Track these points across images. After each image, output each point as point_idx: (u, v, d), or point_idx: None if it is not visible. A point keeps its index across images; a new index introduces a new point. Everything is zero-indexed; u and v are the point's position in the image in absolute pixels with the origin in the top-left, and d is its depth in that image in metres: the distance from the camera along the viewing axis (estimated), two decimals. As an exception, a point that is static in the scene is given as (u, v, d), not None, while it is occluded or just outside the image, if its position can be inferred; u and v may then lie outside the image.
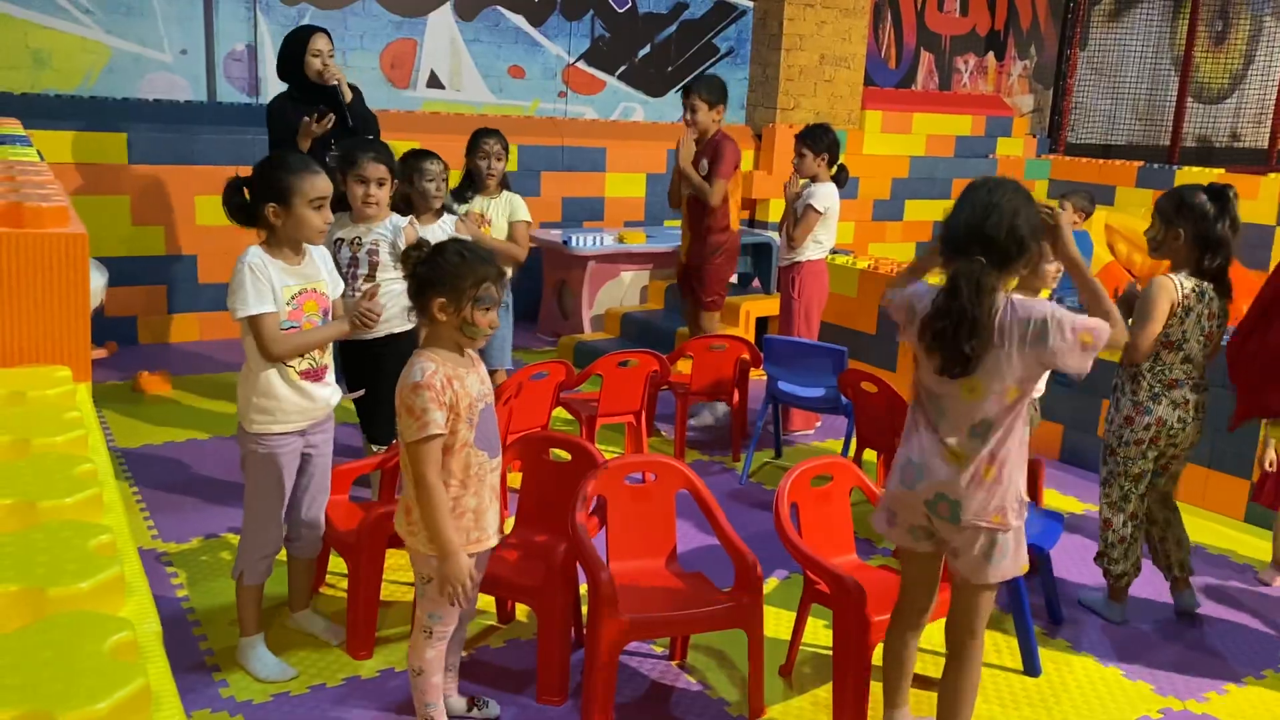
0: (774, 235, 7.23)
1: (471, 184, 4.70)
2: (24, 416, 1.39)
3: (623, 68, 8.36)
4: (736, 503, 4.46)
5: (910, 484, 2.45)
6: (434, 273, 2.40)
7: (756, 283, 7.35)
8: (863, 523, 3.89)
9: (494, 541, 2.59)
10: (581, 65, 8.15)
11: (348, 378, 3.84)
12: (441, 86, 7.57)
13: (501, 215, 4.66)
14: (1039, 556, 3.39)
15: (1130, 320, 3.33)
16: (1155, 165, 9.87)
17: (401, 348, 3.51)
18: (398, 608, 3.34)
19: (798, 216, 5.21)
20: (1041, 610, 3.56)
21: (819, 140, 5.21)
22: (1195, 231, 3.29)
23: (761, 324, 6.63)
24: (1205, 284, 3.33)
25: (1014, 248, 2.30)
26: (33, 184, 1.81)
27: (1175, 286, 3.28)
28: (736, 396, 5.02)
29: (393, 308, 3.60)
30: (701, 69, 8.70)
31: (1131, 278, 3.63)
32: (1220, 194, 3.30)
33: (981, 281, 2.26)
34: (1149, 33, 11.58)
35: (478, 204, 4.65)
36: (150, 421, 4.96)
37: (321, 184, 2.75)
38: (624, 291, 7.23)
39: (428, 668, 2.56)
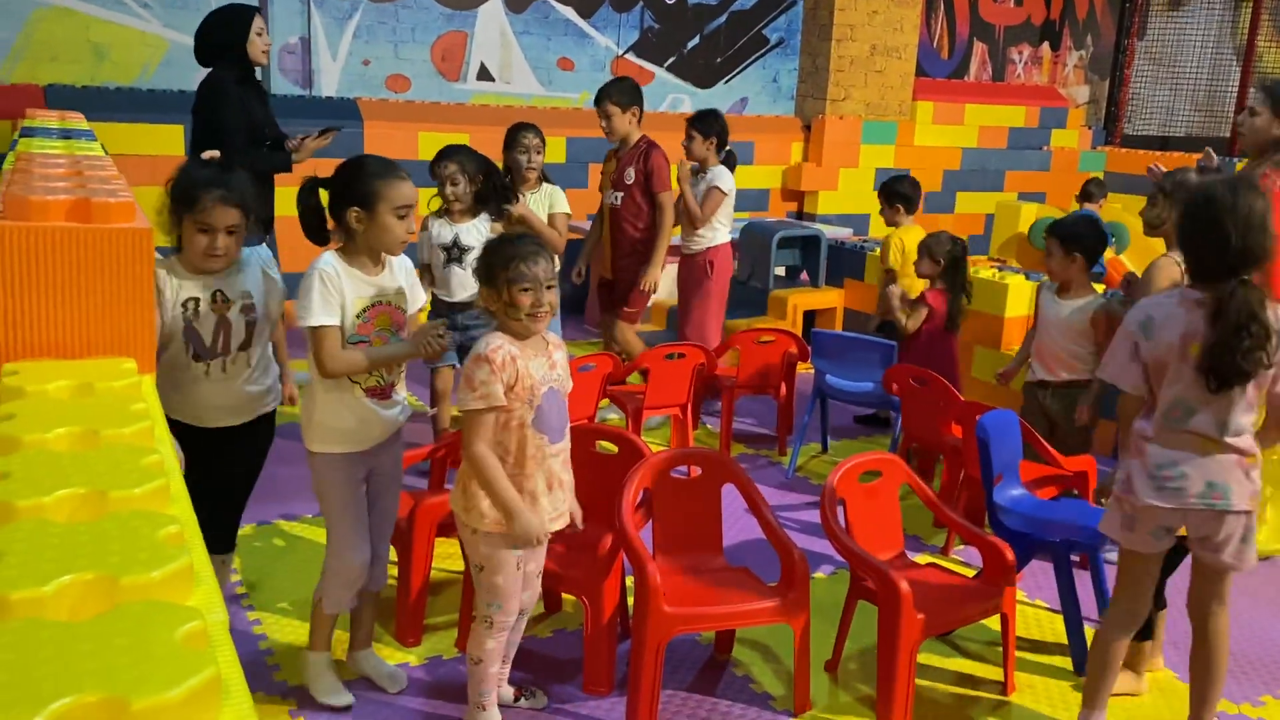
0: (822, 228, 7.18)
1: (510, 179, 4.63)
2: (92, 408, 1.43)
3: (672, 59, 8.35)
4: (783, 497, 4.45)
5: (1171, 486, 2.51)
6: (481, 266, 2.50)
7: (805, 275, 7.31)
8: (911, 519, 3.87)
9: (556, 525, 2.58)
10: (630, 57, 8.15)
11: None
12: (491, 79, 7.62)
13: (542, 208, 4.63)
14: (1090, 552, 3.35)
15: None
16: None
17: None
18: (446, 596, 3.39)
19: (699, 199, 5.11)
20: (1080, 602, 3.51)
21: (709, 125, 5.14)
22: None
23: (809, 317, 6.60)
24: None
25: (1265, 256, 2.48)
26: (99, 179, 1.87)
27: (1175, 265, 3.45)
28: (784, 390, 5.01)
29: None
30: (751, 60, 8.66)
31: (1127, 268, 3.80)
32: (1207, 171, 3.43)
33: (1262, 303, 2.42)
34: (1210, 21, 11.30)
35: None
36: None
37: (408, 191, 2.60)
38: (671, 284, 7.22)
39: (487, 658, 2.58)
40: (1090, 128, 10.61)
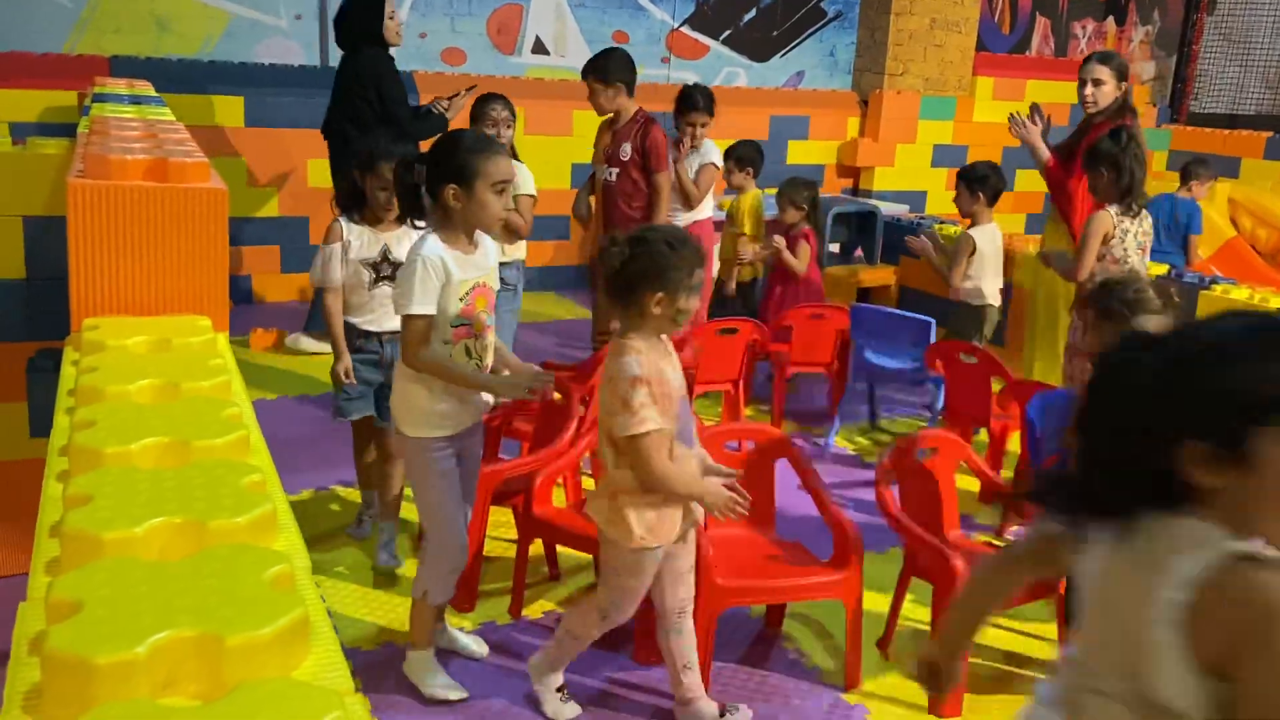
0: (878, 204, 7.10)
1: None
2: (171, 363, 1.47)
3: (727, 32, 8.27)
4: (831, 473, 4.42)
5: None
6: (648, 267, 2.33)
7: (860, 252, 7.23)
8: (966, 499, 3.83)
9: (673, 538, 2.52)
10: (685, 30, 8.09)
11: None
12: (546, 52, 7.61)
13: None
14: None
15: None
16: (1286, 137, 9.35)
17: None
18: (500, 564, 3.42)
19: (693, 176, 4.92)
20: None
21: (713, 106, 4.99)
22: (1110, 165, 4.05)
23: (863, 294, 6.53)
24: (1134, 206, 4.10)
25: None
26: (173, 141, 1.90)
27: (1110, 216, 4.06)
28: (836, 366, 4.98)
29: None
30: (808, 33, 8.55)
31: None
32: (1116, 134, 4.12)
33: None
34: (1284, -4, 10.93)
35: None
36: (263, 377, 5.14)
37: (504, 165, 2.54)
38: (722, 259, 7.18)
39: (583, 636, 2.61)
40: (1155, 105, 10.34)
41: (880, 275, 6.61)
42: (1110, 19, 10.34)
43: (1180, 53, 10.82)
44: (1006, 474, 4.11)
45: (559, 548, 3.36)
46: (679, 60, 8.10)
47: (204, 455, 1.17)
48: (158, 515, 1.01)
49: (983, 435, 4.35)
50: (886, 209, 7.05)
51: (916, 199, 8.49)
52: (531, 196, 4.32)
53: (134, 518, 1.00)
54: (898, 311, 4.79)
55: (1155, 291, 2.71)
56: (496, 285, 2.70)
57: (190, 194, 1.62)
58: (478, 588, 3.20)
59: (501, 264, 3.31)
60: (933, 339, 4.49)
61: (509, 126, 4.26)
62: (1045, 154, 4.74)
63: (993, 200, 4.78)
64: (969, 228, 4.82)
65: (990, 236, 4.77)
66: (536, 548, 3.31)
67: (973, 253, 4.72)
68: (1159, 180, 8.83)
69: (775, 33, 8.45)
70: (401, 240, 3.26)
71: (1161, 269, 5.37)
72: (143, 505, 1.04)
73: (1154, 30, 10.67)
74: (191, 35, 6.52)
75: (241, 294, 6.52)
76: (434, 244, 2.53)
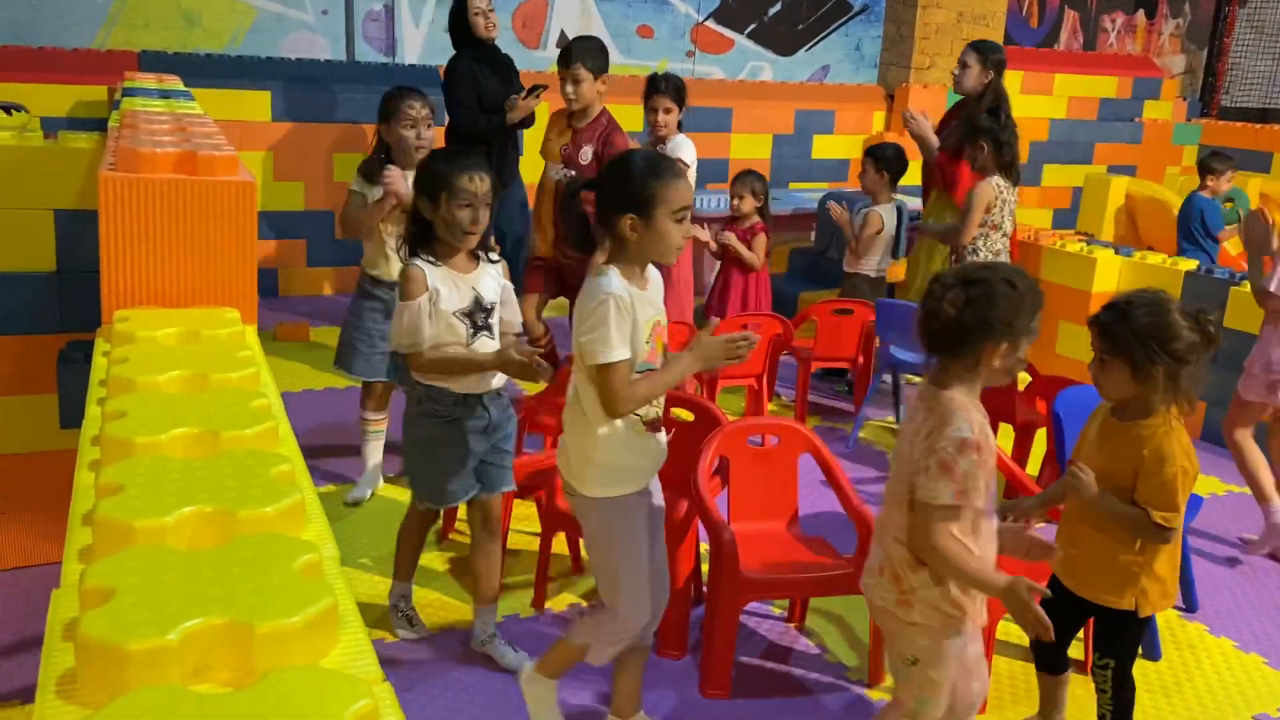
0: (905, 199, 7.04)
1: (390, 159, 3.66)
2: (200, 354, 1.49)
3: (752, 26, 8.24)
4: (853, 470, 4.41)
5: None
6: (989, 314, 2.02)
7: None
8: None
9: (984, 619, 2.20)
10: (710, 24, 8.07)
11: None
12: (570, 46, 7.62)
13: None
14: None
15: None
16: (1319, 131, 9.23)
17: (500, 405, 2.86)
18: (523, 557, 3.44)
19: None
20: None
21: (680, 93, 4.75)
22: (991, 140, 4.56)
23: (889, 289, 6.49)
24: (1009, 178, 4.63)
25: None
26: (202, 134, 1.92)
27: (993, 187, 4.58)
28: (861, 361, 4.96)
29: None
30: (834, 27, 8.51)
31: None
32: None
33: None
34: (1319, -12, 10.78)
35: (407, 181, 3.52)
36: (288, 370, 5.18)
37: (685, 190, 2.23)
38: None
39: None
40: (1185, 99, 10.21)
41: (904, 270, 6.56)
42: (1140, 12, 10.23)
43: (1211, 46, 10.69)
44: (1031, 470, 4.08)
45: (582, 541, 3.37)
46: (703, 55, 8.08)
47: (233, 445, 1.18)
48: (188, 504, 1.02)
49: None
50: (912, 204, 7.00)
51: (942, 194, 8.44)
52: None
53: (165, 507, 1.02)
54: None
55: (1180, 315, 2.27)
56: (667, 323, 2.40)
57: (219, 187, 1.64)
58: (502, 580, 3.21)
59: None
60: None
61: (429, 125, 3.67)
62: (935, 143, 5.21)
63: (895, 180, 5.16)
64: (873, 204, 5.20)
65: (891, 214, 5.20)
66: (560, 542, 3.32)
67: (879, 230, 5.11)
68: (1187, 175, 8.73)
69: (800, 26, 8.42)
70: (484, 280, 2.78)
71: (1190, 264, 5.32)
72: (173, 494, 1.05)
73: (1184, 23, 10.54)
74: (219, 30, 6.58)
75: (267, 288, 6.58)
76: (619, 280, 2.22)
